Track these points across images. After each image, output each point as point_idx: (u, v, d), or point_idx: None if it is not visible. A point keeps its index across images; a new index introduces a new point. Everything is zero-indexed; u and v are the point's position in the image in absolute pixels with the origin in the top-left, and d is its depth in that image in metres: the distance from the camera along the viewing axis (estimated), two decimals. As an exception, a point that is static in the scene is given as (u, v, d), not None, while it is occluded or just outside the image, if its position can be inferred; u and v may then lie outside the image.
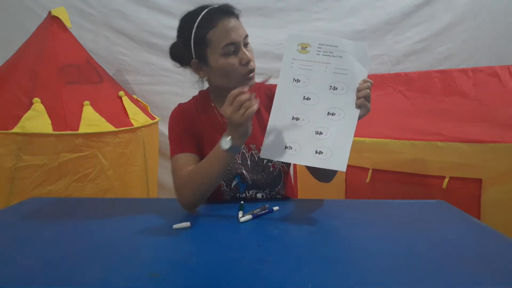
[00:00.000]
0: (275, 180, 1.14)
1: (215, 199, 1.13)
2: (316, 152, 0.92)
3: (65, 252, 0.76)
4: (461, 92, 1.67)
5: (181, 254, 0.74)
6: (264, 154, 0.96)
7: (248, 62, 1.00)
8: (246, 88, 0.88)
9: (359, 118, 0.92)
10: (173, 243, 0.79)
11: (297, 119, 0.95)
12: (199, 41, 1.00)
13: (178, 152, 1.06)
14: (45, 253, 0.75)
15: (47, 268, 0.68)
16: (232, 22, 0.99)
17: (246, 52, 1.01)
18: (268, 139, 0.95)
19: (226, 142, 0.91)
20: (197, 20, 1.00)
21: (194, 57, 1.04)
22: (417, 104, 1.76)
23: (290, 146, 0.94)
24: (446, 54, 2.45)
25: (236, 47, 0.99)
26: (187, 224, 0.88)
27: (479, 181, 1.42)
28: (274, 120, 0.96)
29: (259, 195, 1.14)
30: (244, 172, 1.11)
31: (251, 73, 1.02)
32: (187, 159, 1.04)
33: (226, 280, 0.63)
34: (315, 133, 0.93)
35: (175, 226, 0.88)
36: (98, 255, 0.74)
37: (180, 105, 1.15)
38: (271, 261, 0.70)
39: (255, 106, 0.87)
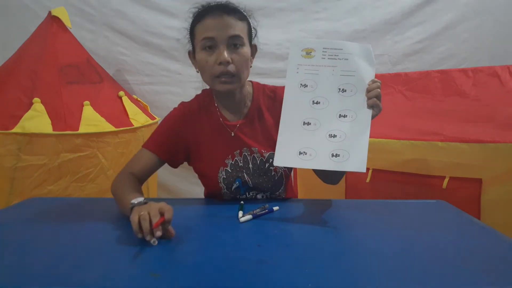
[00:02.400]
0: (277, 184, 1.13)
1: (215, 199, 1.13)
2: (333, 155, 0.91)
3: (65, 252, 0.76)
4: (461, 92, 1.67)
5: (181, 254, 0.74)
6: (278, 162, 0.94)
7: (222, 62, 0.97)
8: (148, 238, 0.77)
9: (372, 117, 0.92)
10: (173, 243, 0.79)
11: (308, 124, 0.94)
12: (190, 33, 1.06)
13: (146, 147, 1.11)
14: (45, 253, 0.75)
15: (47, 268, 0.68)
16: (219, 19, 0.97)
17: (225, 52, 0.96)
18: (280, 147, 0.94)
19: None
20: (195, 13, 1.03)
21: (191, 47, 1.08)
22: (417, 104, 1.76)
23: (304, 152, 0.92)
24: (446, 54, 2.45)
25: (214, 43, 0.97)
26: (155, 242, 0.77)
27: (479, 181, 1.42)
28: (285, 127, 0.94)
29: (259, 196, 1.14)
30: (245, 175, 1.10)
31: (223, 75, 0.99)
32: (144, 158, 1.10)
33: (226, 280, 0.63)
34: (328, 137, 0.92)
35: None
36: (98, 255, 0.74)
37: (183, 103, 1.13)
38: (271, 261, 0.70)
39: (158, 233, 0.76)
